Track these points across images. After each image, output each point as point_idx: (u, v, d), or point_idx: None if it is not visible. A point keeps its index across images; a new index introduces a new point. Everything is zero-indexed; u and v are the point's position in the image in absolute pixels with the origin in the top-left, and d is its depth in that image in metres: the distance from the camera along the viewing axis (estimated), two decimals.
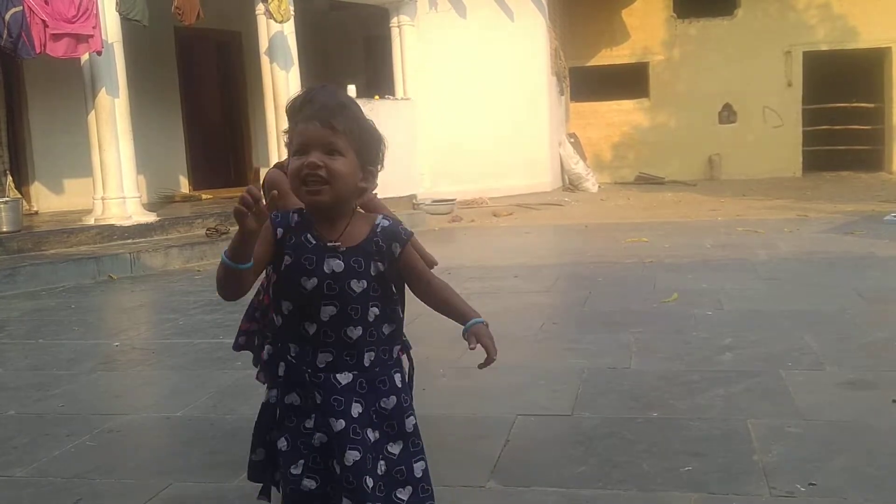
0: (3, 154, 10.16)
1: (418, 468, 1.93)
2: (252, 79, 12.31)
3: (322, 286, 1.81)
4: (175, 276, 7.58)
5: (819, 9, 16.66)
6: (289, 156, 1.89)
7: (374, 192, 2.97)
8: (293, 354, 1.86)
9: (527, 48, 14.15)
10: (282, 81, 10.43)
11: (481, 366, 2.01)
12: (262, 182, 2.93)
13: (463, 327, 2.02)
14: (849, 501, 2.52)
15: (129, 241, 8.64)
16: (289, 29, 10.46)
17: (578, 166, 15.39)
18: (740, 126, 17.15)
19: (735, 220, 9.95)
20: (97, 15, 8.42)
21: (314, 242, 1.82)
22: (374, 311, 1.86)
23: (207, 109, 13.45)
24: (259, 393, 3.10)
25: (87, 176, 9.42)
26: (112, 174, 8.94)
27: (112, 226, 8.75)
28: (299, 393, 1.85)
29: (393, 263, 1.88)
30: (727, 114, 17.26)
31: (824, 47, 16.76)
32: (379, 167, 1.92)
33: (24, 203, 9.86)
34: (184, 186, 12.49)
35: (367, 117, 1.93)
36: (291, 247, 1.83)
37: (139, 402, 4.04)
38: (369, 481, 1.78)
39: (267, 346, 1.96)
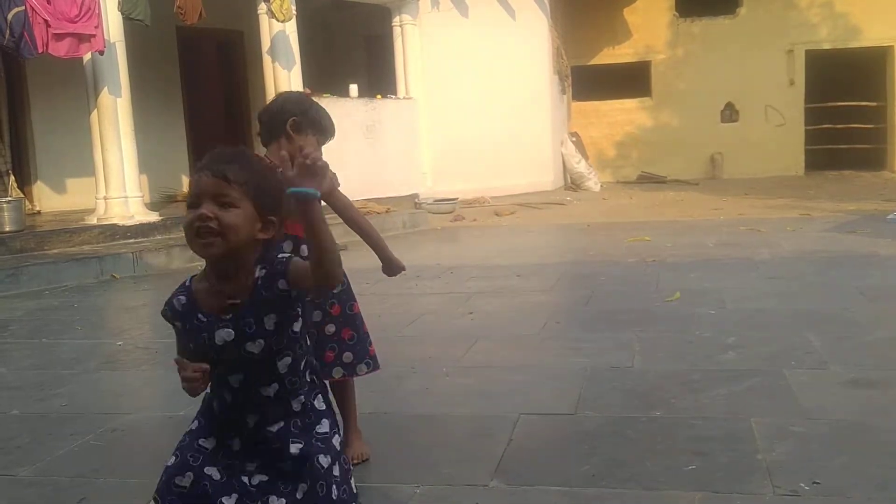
0: (5, 153, 10.16)
1: None
2: (254, 78, 12.31)
3: (221, 356, 1.78)
4: (177, 275, 7.51)
5: (821, 7, 16.65)
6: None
7: (338, 185, 2.98)
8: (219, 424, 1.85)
9: (529, 47, 14.15)
10: (284, 81, 10.44)
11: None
12: None
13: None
14: (852, 500, 2.52)
15: (132, 240, 8.64)
16: (291, 28, 10.47)
17: (580, 165, 15.39)
18: (742, 125, 17.14)
19: (737, 219, 9.94)
20: (99, 14, 8.43)
21: (205, 320, 1.78)
22: (286, 361, 1.81)
23: (209, 109, 13.44)
24: None
25: (89, 175, 9.42)
26: (114, 174, 8.95)
27: (114, 225, 8.76)
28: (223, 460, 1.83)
29: (287, 301, 1.78)
30: (729, 113, 17.26)
31: (827, 46, 16.75)
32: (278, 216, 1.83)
33: (27, 203, 9.87)
34: (186, 186, 12.48)
35: (266, 166, 1.88)
36: (187, 332, 1.81)
37: (142, 402, 4.04)
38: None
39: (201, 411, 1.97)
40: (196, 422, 1.89)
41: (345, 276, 2.98)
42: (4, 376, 4.45)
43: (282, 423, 1.81)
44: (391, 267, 3.09)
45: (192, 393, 1.74)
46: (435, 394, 3.77)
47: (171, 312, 1.82)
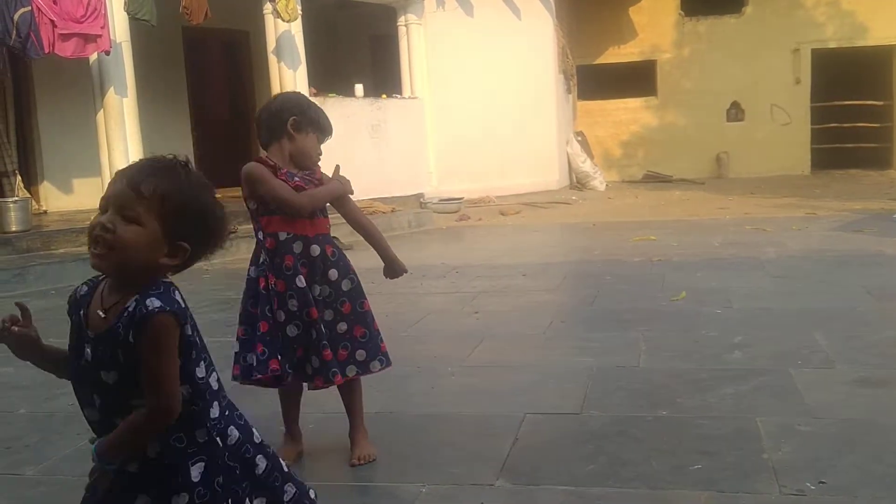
0: (11, 154, 10.19)
1: None
2: (260, 78, 12.33)
3: (78, 373, 1.64)
4: (183, 275, 7.53)
5: (828, 6, 16.61)
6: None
7: (351, 193, 3.01)
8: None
9: (534, 46, 14.15)
10: (289, 80, 10.45)
11: None
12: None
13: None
14: (859, 499, 2.51)
15: None
16: (296, 28, 10.48)
17: (586, 165, 15.38)
18: (748, 124, 17.11)
19: (743, 218, 9.93)
20: (105, 15, 8.45)
21: (82, 323, 1.64)
22: (141, 401, 1.58)
23: (215, 108, 13.47)
24: (269, 393, 3.12)
25: (95, 175, 9.45)
26: None
27: None
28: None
29: (129, 352, 1.56)
30: (735, 112, 17.23)
31: (833, 45, 16.72)
32: (205, 248, 1.69)
33: (33, 203, 9.90)
34: None
35: (202, 185, 1.67)
36: (70, 328, 1.67)
37: None
38: None
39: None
40: None
41: (355, 273, 2.99)
42: (12, 376, 4.46)
43: (136, 467, 1.62)
44: (393, 269, 3.11)
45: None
46: (440, 393, 3.77)
47: (71, 297, 1.70)
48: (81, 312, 1.64)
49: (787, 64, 16.83)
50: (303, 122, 2.89)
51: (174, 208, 1.59)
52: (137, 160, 1.69)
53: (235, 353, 2.93)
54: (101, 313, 1.60)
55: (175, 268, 1.67)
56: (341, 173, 3.03)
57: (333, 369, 2.85)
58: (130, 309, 1.56)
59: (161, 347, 1.55)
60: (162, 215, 1.58)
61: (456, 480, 2.78)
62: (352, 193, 3.02)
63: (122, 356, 1.56)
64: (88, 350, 1.60)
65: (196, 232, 1.64)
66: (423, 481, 2.78)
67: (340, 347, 2.90)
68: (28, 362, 1.74)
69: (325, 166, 3.03)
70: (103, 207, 1.59)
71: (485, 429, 3.28)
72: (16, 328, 1.67)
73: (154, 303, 1.55)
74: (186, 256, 1.64)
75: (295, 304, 2.84)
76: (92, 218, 1.61)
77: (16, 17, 7.81)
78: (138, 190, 1.57)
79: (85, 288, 1.68)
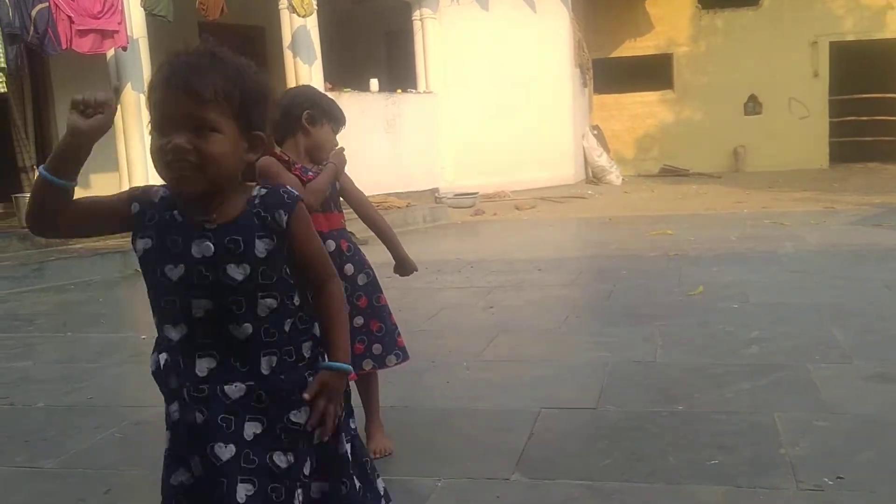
0: (30, 149, 10.26)
1: None
2: (275, 73, 12.31)
3: (191, 276, 1.44)
4: None
5: None
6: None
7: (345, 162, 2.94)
8: (163, 364, 1.50)
9: (549, 40, 14.11)
10: (305, 75, 10.47)
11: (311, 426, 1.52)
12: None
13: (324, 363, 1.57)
14: (877, 495, 2.50)
15: None
16: (312, 23, 10.49)
17: (602, 159, 15.33)
18: (766, 117, 17.00)
19: (761, 212, 9.87)
20: (122, 11, 8.50)
21: (180, 220, 1.46)
22: (268, 302, 1.48)
23: None
24: None
25: (113, 170, 9.49)
26: (138, 169, 9.02)
27: None
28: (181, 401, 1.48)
29: (283, 238, 1.48)
30: (752, 105, 17.12)
31: (851, 37, 16.57)
32: (275, 129, 1.59)
33: None
34: None
35: (248, 65, 1.55)
36: (153, 227, 1.46)
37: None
38: None
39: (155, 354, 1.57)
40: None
41: (371, 268, 2.99)
42: (31, 370, 4.50)
43: (243, 390, 1.46)
44: (404, 266, 3.11)
45: (74, 109, 1.40)
46: (456, 388, 3.77)
47: (142, 196, 1.50)
48: (175, 212, 1.46)
49: (804, 57, 16.70)
50: (316, 114, 2.87)
51: (239, 102, 1.46)
52: (168, 59, 1.48)
53: None
54: (203, 219, 1.45)
55: (257, 159, 1.56)
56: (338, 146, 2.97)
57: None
58: (263, 195, 1.49)
59: (313, 230, 1.53)
60: (232, 113, 1.45)
61: (471, 474, 2.78)
62: (345, 163, 2.94)
63: (261, 245, 1.45)
64: (209, 244, 1.44)
65: (265, 115, 1.52)
66: (438, 475, 2.78)
67: (357, 342, 2.91)
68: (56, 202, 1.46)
69: (350, 161, 3.02)
70: (163, 129, 1.43)
71: (500, 423, 3.28)
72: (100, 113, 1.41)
73: (291, 191, 1.52)
74: (265, 145, 1.53)
75: None
76: (153, 141, 1.43)
77: (33, 13, 7.86)
78: (200, 96, 1.42)
79: (164, 190, 1.49)
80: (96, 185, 10.91)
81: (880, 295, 5.20)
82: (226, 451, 1.42)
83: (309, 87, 3.29)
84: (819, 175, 15.17)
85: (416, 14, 12.79)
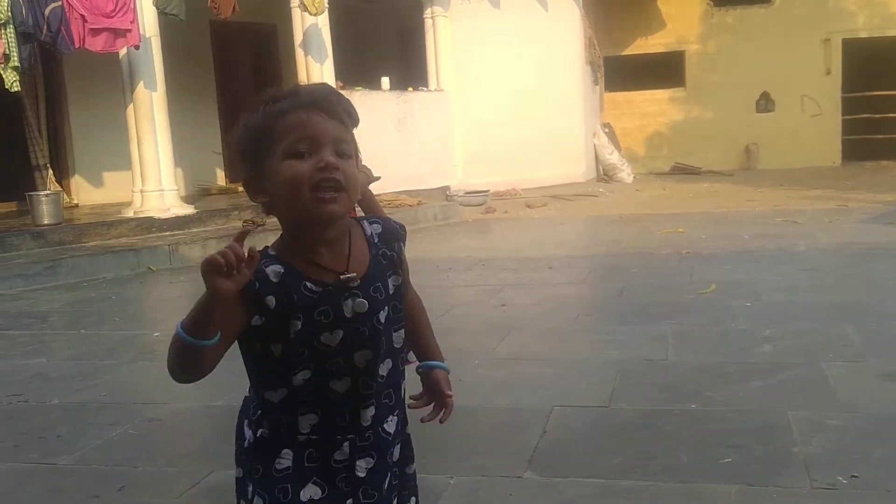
0: (43, 148, 10.32)
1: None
2: (287, 71, 12.38)
3: (350, 334, 1.41)
4: None
5: None
6: (246, 163, 1.41)
7: (375, 179, 2.99)
8: (312, 427, 1.42)
9: (561, 38, 14.08)
10: (316, 74, 10.48)
11: (426, 420, 1.65)
12: None
13: (420, 364, 1.66)
14: (892, 493, 2.49)
15: (168, 233, 8.74)
16: (323, 21, 10.50)
17: (613, 157, 15.29)
18: (778, 115, 16.92)
19: (773, 210, 9.83)
20: (135, 10, 8.53)
21: (319, 290, 1.38)
22: (401, 333, 1.51)
23: (243, 102, 13.52)
24: None
25: (125, 169, 9.55)
26: (150, 167, 9.06)
27: (151, 218, 8.87)
28: (320, 481, 1.42)
29: (402, 268, 1.51)
30: (764, 103, 17.04)
31: (864, 34, 16.47)
32: None
33: (65, 196, 10.03)
34: (220, 179, 12.62)
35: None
36: (297, 308, 1.37)
37: (180, 392, 4.06)
38: None
39: (251, 430, 1.47)
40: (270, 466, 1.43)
41: None
42: (45, 367, 4.53)
43: (394, 421, 1.51)
44: None
45: (215, 276, 1.23)
46: (467, 385, 3.77)
47: (261, 286, 1.34)
48: (307, 285, 1.38)
49: (817, 54, 16.61)
50: None
51: (354, 137, 1.45)
52: (292, 93, 1.41)
53: None
54: (346, 276, 1.40)
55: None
56: (364, 163, 3.02)
57: None
58: (379, 232, 1.48)
59: None
60: (355, 146, 1.44)
61: (484, 472, 2.79)
62: (378, 179, 3.02)
63: (391, 282, 1.47)
64: (361, 300, 1.40)
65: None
66: (451, 473, 2.78)
67: None
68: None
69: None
70: (307, 150, 1.35)
71: (512, 421, 3.28)
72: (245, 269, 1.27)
73: (397, 221, 1.54)
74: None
75: None
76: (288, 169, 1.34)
77: (47, 12, 7.90)
78: (343, 120, 1.40)
79: (278, 267, 1.37)
80: (109, 183, 11.01)
81: (894, 293, 5.17)
82: (385, 482, 1.49)
83: (325, 84, 3.30)
84: (831, 173, 15.09)
85: (428, 12, 12.79)
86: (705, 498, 2.53)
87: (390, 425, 1.49)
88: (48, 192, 9.08)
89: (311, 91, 1.43)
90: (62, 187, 10.31)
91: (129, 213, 9.09)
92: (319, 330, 1.39)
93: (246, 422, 1.48)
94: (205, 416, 3.63)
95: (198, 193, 11.51)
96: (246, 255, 1.25)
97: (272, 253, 1.39)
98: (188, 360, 1.33)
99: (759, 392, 3.44)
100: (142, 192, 9.11)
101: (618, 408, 3.35)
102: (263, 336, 1.38)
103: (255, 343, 1.40)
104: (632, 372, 3.81)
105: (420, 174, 11.74)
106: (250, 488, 1.43)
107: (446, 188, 12.29)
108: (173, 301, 6.47)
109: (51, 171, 10.20)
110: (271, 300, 1.35)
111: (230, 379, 4.13)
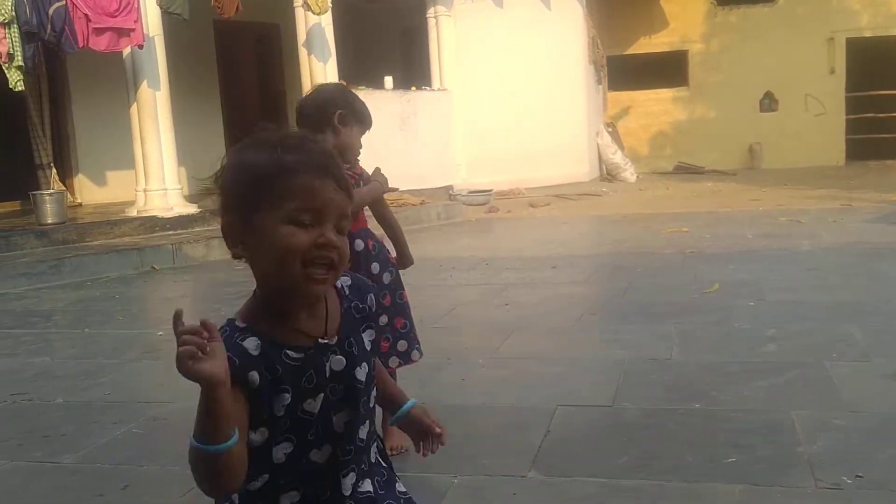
0: (47, 147, 10.34)
1: None
2: (290, 71, 12.39)
3: (328, 395, 1.33)
4: (216, 266, 7.66)
5: None
6: (234, 209, 1.31)
7: (387, 190, 3.04)
8: None
9: (564, 37, 14.06)
10: (320, 73, 10.48)
11: (426, 452, 1.63)
12: None
13: (393, 418, 1.62)
14: None
15: (171, 232, 8.75)
16: (326, 21, 10.50)
17: (616, 156, 15.28)
18: (782, 114, 16.89)
19: (777, 209, 9.81)
20: (139, 9, 8.53)
21: (301, 356, 1.30)
22: (375, 392, 1.44)
23: (246, 101, 13.56)
24: None
25: (129, 168, 9.56)
26: (154, 166, 9.07)
27: (154, 217, 8.88)
28: None
29: (373, 320, 1.47)
30: (768, 102, 17.02)
31: (868, 34, 16.45)
32: None
33: (68, 195, 10.04)
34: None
35: None
36: (284, 381, 1.28)
37: (184, 391, 4.07)
38: None
39: None
40: None
41: (393, 265, 3.02)
42: (49, 365, 4.54)
43: (369, 482, 1.42)
44: (403, 262, 3.16)
45: (196, 367, 1.14)
46: (471, 385, 3.77)
47: (241, 361, 1.24)
48: (287, 351, 1.30)
49: (821, 53, 16.58)
50: (348, 115, 2.89)
51: None
52: (296, 147, 1.30)
53: None
54: (324, 341, 1.34)
55: None
56: (378, 167, 3.06)
57: None
58: (349, 285, 1.42)
59: None
60: None
61: (488, 471, 2.79)
62: (395, 190, 3.08)
63: (366, 337, 1.41)
64: (339, 357, 1.34)
65: None
66: (455, 472, 2.78)
67: (382, 339, 2.92)
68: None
69: (363, 159, 3.06)
70: (313, 219, 1.27)
71: (516, 420, 3.28)
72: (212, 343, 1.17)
73: (360, 276, 1.50)
74: None
75: None
76: (289, 235, 1.25)
77: (51, 11, 7.91)
78: (348, 193, 1.32)
79: (253, 339, 1.28)
80: (113, 182, 11.01)
81: None
82: None
83: (341, 86, 3.30)
84: (835, 172, 15.07)
85: (431, 11, 12.78)
86: (709, 498, 2.53)
87: (366, 485, 1.41)
88: (52, 191, 9.09)
89: (323, 153, 1.32)
90: (66, 186, 10.32)
91: (133, 213, 9.10)
92: (304, 398, 1.30)
93: None
94: None
95: (201, 192, 11.51)
96: (198, 326, 1.15)
97: (242, 325, 1.29)
98: (216, 472, 1.20)
99: (763, 392, 3.43)
100: (145, 191, 9.12)
101: (622, 407, 3.35)
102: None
103: None
104: (636, 371, 3.80)
105: (423, 173, 11.73)
106: None
107: (449, 187, 12.29)
108: (177, 300, 6.47)
109: (54, 171, 10.21)
110: (254, 376, 1.25)
111: None
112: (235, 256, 1.33)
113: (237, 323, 1.29)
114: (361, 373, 1.37)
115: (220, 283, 6.84)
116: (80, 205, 10.73)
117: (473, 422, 3.30)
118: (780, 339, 4.21)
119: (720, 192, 12.39)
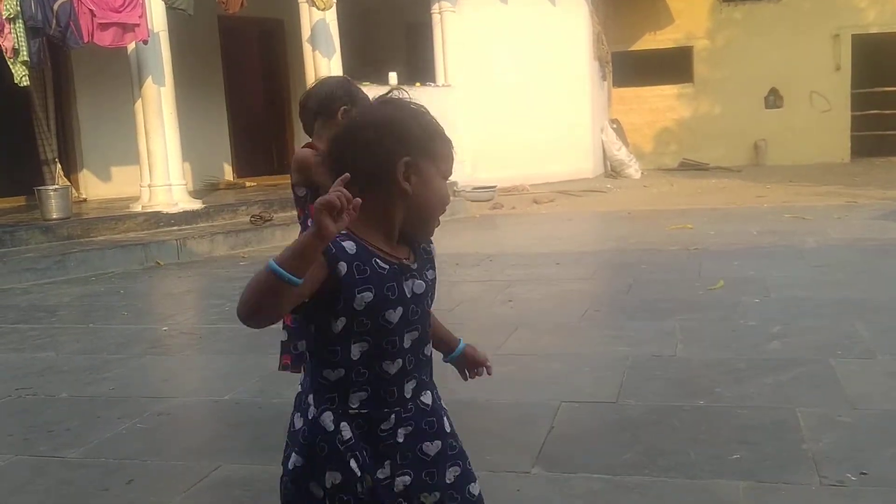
0: (52, 142, 10.35)
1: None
2: (294, 66, 12.39)
3: (407, 314, 1.55)
4: (220, 262, 7.67)
5: None
6: (409, 145, 1.55)
7: None
8: (362, 402, 1.55)
9: (569, 33, 14.04)
10: (324, 69, 10.47)
11: (473, 376, 1.99)
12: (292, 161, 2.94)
13: (449, 357, 1.90)
14: None
15: (176, 227, 8.76)
16: (331, 16, 10.50)
17: (621, 152, 15.26)
18: (787, 111, 16.84)
19: (782, 206, 9.79)
20: (143, 4, 8.53)
21: (387, 267, 1.52)
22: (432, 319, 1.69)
23: (251, 97, 13.57)
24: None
25: (133, 164, 9.57)
26: (158, 162, 9.07)
27: (159, 213, 8.89)
28: (365, 451, 1.55)
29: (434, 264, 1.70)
30: (773, 98, 16.96)
31: (874, 30, 16.39)
32: None
33: (73, 190, 10.04)
34: (228, 174, 12.63)
35: None
36: (369, 280, 1.49)
37: (188, 386, 4.10)
38: (475, 488, 1.70)
39: (303, 416, 1.58)
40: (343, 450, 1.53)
41: None
42: (54, 360, 4.54)
43: (430, 394, 1.66)
44: None
45: (326, 215, 1.33)
46: (475, 381, 3.73)
47: (336, 251, 1.46)
48: (377, 260, 1.52)
49: (826, 50, 16.53)
50: (353, 111, 2.87)
51: None
52: (427, 114, 1.66)
53: (283, 342, 2.96)
54: (407, 261, 1.58)
55: None
56: None
57: None
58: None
59: None
60: None
61: (492, 468, 2.78)
62: None
63: (431, 273, 1.65)
64: (420, 282, 1.59)
65: None
66: None
67: None
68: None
69: None
70: (446, 178, 1.62)
71: (520, 416, 3.28)
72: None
73: None
74: None
75: None
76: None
77: (55, 6, 7.91)
78: None
79: (351, 242, 1.50)
80: (118, 178, 11.02)
81: None
82: (433, 447, 1.62)
83: (346, 79, 3.26)
84: (841, 169, 15.03)
85: (436, 7, 12.77)
86: (714, 494, 2.53)
87: (427, 398, 1.64)
88: (57, 186, 9.10)
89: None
90: (70, 182, 10.33)
91: (138, 208, 9.11)
92: (386, 305, 1.52)
93: (297, 413, 1.60)
94: (213, 411, 3.64)
95: (205, 188, 11.53)
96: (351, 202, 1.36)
97: (344, 232, 1.46)
98: (273, 298, 1.41)
99: (768, 388, 3.43)
100: (150, 186, 9.13)
101: (626, 404, 3.35)
102: (326, 308, 1.48)
103: (316, 317, 1.51)
104: (640, 368, 3.80)
105: None
106: (318, 468, 1.53)
107: (454, 184, 12.27)
108: (181, 295, 6.49)
109: (59, 166, 10.22)
110: (343, 266, 1.46)
111: (237, 374, 4.15)
112: (402, 190, 1.54)
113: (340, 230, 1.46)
114: (430, 301, 1.62)
115: (224, 279, 6.85)
116: (85, 200, 10.74)
117: (477, 418, 3.30)
118: (785, 335, 4.20)
119: (725, 189, 12.37)
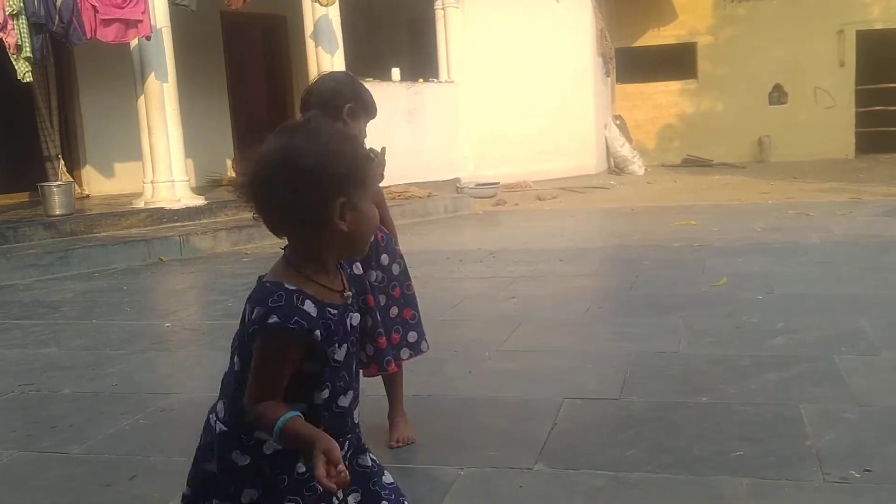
0: (55, 138, 10.35)
1: None
2: (297, 62, 12.37)
3: (349, 349, 1.56)
4: (223, 258, 7.67)
5: None
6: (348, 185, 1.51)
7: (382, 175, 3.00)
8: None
9: (572, 29, 14.01)
10: (327, 65, 10.45)
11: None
12: None
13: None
14: None
15: (178, 224, 8.76)
16: (333, 12, 10.48)
17: (624, 149, 15.24)
18: (791, 107, 16.81)
19: (786, 202, 9.77)
20: (146, 0, 8.52)
21: (336, 312, 1.51)
22: None
23: (253, 93, 13.56)
24: None
25: (136, 160, 9.57)
26: (161, 158, 9.07)
27: (161, 209, 8.89)
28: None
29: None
30: (777, 95, 16.93)
31: (879, 26, 16.34)
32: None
33: (76, 187, 10.06)
34: (230, 170, 12.62)
35: None
36: (336, 332, 1.51)
37: (191, 382, 4.10)
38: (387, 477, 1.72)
39: (250, 453, 1.56)
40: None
41: (402, 256, 3.00)
42: (57, 356, 4.55)
43: (367, 457, 1.68)
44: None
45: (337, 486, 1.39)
46: (478, 377, 3.77)
47: (307, 324, 1.45)
48: (329, 310, 1.51)
49: (831, 46, 16.48)
50: (358, 109, 2.84)
51: None
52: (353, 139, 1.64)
53: None
54: (346, 294, 1.57)
55: None
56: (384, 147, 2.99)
57: (388, 357, 2.86)
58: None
59: None
60: None
61: (494, 464, 2.78)
62: (381, 179, 2.97)
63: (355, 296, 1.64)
64: (354, 314, 1.58)
65: None
66: (461, 464, 2.78)
67: (393, 332, 2.92)
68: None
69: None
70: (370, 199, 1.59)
71: (523, 413, 3.28)
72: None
73: None
74: None
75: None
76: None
77: (58, 2, 7.91)
78: None
79: (309, 301, 1.49)
80: (120, 174, 11.03)
81: None
82: (368, 459, 1.67)
83: (349, 76, 3.23)
84: (845, 165, 15.00)
85: (439, 3, 12.75)
86: (717, 490, 2.52)
87: (365, 460, 1.67)
88: (60, 182, 9.11)
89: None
90: (73, 178, 10.34)
91: (140, 204, 9.11)
92: (337, 348, 1.51)
93: (240, 450, 1.56)
94: None
95: (209, 184, 11.53)
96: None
97: (292, 288, 1.46)
98: (264, 428, 1.48)
99: (771, 385, 3.42)
100: (152, 182, 9.13)
101: (629, 400, 3.34)
102: (306, 380, 1.51)
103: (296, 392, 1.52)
104: (643, 364, 3.79)
105: (430, 166, 11.73)
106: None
107: (456, 180, 12.27)
108: (184, 292, 6.49)
109: (62, 162, 10.23)
110: (318, 334, 1.46)
111: None
112: (339, 231, 1.49)
113: (287, 286, 1.46)
114: (359, 324, 1.61)
115: (227, 275, 6.85)
116: (88, 196, 10.75)
117: (480, 414, 3.30)
118: (788, 332, 4.19)
119: (729, 185, 12.35)
